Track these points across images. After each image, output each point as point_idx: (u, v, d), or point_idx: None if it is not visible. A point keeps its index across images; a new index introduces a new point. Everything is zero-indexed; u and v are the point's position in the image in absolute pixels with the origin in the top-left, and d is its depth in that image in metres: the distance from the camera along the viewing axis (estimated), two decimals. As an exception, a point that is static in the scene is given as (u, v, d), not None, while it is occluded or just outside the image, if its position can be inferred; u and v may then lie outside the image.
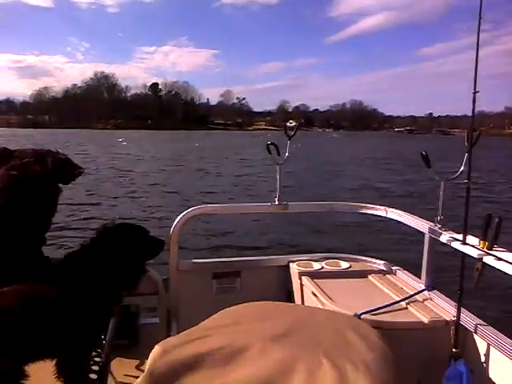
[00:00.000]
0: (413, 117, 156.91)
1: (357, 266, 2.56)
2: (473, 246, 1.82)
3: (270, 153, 2.41)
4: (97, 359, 1.73)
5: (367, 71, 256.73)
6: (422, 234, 2.25)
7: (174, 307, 2.35)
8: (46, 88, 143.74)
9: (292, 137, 2.48)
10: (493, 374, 1.82)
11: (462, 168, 1.91)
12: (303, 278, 2.35)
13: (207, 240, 9.31)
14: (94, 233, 1.70)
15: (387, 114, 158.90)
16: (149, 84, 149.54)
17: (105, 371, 1.66)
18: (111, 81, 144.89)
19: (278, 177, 2.44)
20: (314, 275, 2.37)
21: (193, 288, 2.45)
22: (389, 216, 2.52)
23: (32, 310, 1.40)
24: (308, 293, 2.25)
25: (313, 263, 2.51)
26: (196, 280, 2.48)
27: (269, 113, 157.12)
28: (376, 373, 0.95)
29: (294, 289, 2.46)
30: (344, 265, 2.55)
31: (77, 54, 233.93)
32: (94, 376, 1.64)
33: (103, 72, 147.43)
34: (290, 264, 2.52)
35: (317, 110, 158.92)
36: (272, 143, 2.41)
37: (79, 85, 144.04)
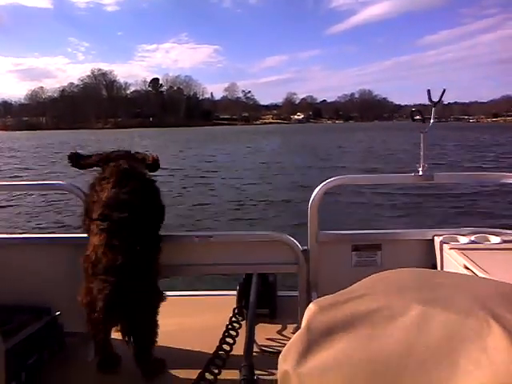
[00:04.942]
0: (423, 105, 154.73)
1: (509, 241, 2.34)
2: None
3: (413, 120, 2.33)
4: (236, 325, 1.82)
5: (371, 61, 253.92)
6: None
7: (313, 278, 2.32)
8: (41, 88, 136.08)
9: (437, 103, 2.32)
10: None
11: None
12: (451, 251, 2.20)
13: (347, 211, 9.30)
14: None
15: (396, 103, 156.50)
16: (149, 80, 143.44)
17: (249, 338, 1.71)
18: (109, 78, 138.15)
19: (422, 145, 2.32)
20: (463, 249, 2.20)
21: (332, 260, 2.40)
22: None
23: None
24: (457, 266, 2.10)
25: (460, 237, 2.36)
26: (335, 252, 2.42)
27: (275, 106, 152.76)
28: None
29: (440, 263, 2.33)
30: (494, 239, 2.33)
31: (77, 54, 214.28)
32: (230, 341, 1.71)
33: (100, 69, 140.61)
34: (435, 238, 2.38)
35: (324, 101, 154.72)
36: (417, 110, 2.33)
37: (76, 83, 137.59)
